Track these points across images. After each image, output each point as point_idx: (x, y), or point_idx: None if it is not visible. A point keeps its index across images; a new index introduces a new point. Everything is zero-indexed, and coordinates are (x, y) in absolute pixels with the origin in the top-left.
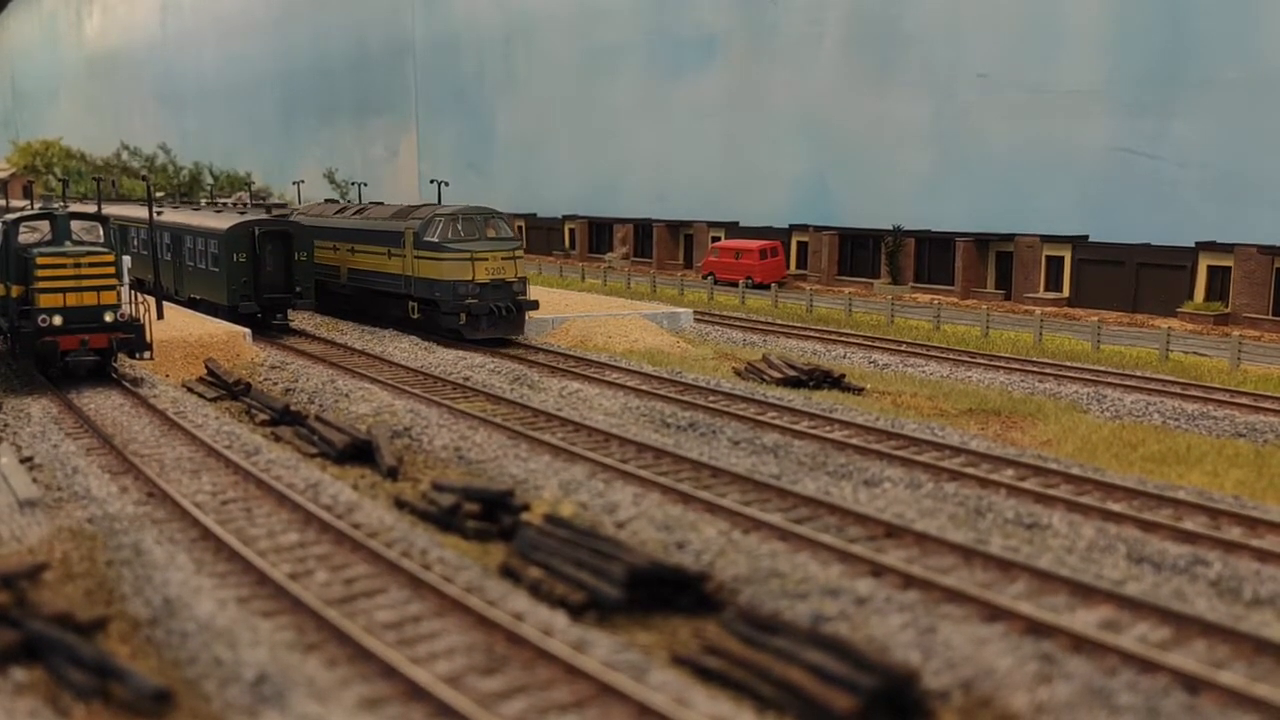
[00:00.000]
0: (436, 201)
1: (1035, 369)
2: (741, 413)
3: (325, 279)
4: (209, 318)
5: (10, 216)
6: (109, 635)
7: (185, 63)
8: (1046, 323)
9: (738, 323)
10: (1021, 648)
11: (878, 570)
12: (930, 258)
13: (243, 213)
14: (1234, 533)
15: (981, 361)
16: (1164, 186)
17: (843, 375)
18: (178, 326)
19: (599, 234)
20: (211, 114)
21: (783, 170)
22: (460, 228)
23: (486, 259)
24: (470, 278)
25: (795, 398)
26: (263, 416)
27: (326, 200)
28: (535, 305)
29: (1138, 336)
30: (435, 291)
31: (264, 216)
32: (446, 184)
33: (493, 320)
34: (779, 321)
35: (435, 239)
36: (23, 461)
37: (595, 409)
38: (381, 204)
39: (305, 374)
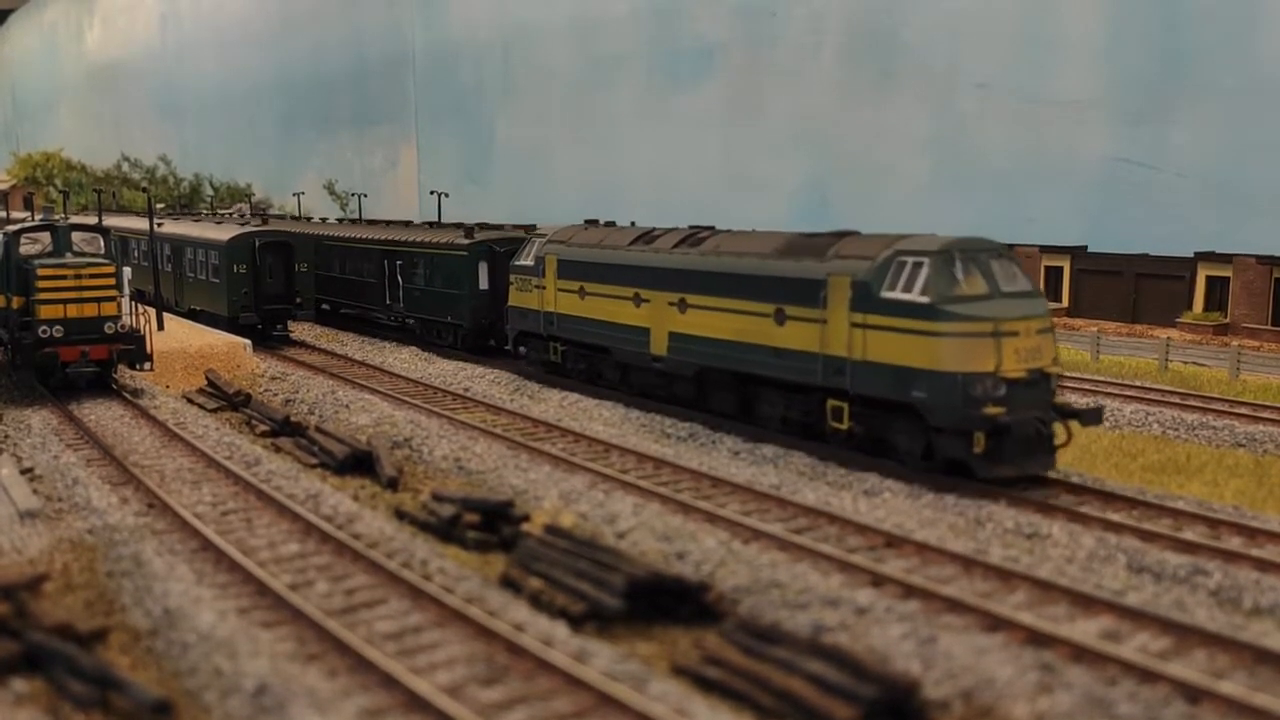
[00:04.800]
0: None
1: None
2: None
3: (607, 344)
4: (209, 329)
5: (11, 228)
6: (109, 646)
7: (185, 74)
8: None
9: None
10: (1022, 658)
11: (878, 580)
12: None
13: (242, 224)
14: (1234, 542)
15: None
16: (1162, 197)
17: None
18: (178, 337)
19: None
20: (211, 125)
21: (782, 180)
22: (959, 275)
23: (1017, 333)
24: (992, 367)
25: None
26: (263, 427)
27: (588, 223)
28: (1097, 418)
29: (1137, 346)
30: (915, 389)
31: (264, 228)
32: (446, 195)
33: (1026, 445)
34: None
35: (916, 296)
36: (23, 473)
37: (595, 419)
38: (719, 230)
39: (305, 385)
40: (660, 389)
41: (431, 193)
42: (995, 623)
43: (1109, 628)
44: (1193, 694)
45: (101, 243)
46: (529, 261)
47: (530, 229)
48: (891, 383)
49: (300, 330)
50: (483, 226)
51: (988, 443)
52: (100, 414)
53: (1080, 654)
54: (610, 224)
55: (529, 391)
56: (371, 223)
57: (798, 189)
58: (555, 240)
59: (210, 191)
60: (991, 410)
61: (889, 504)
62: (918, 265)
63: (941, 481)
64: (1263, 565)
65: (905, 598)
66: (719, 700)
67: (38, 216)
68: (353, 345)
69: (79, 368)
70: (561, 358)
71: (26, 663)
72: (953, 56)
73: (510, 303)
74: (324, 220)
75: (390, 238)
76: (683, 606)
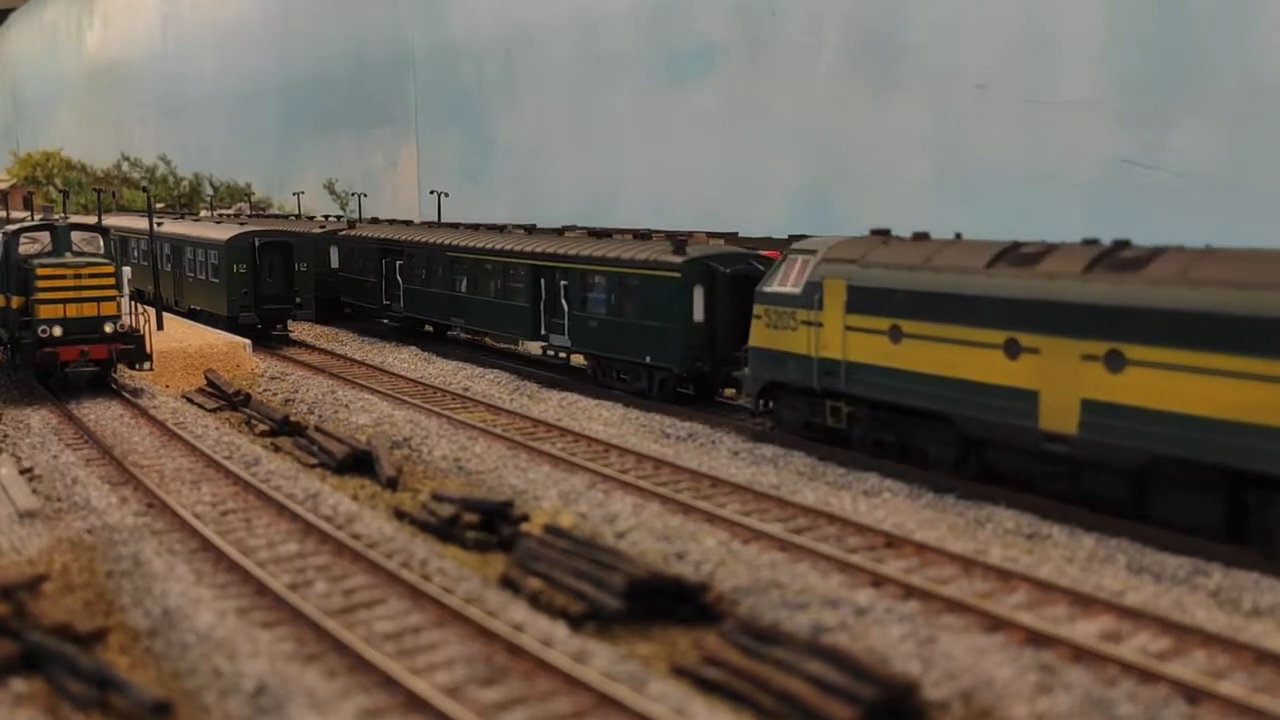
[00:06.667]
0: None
1: None
2: (740, 423)
3: (942, 408)
4: (209, 328)
5: (11, 228)
6: (108, 646)
7: (185, 74)
8: None
9: None
10: (1021, 658)
11: (877, 580)
12: None
13: (242, 224)
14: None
15: None
16: (1165, 197)
17: None
18: (178, 337)
19: None
20: (211, 125)
21: (782, 179)
22: None
23: None
24: None
25: None
26: (262, 427)
27: (876, 233)
28: None
29: None
30: None
31: (264, 228)
32: (446, 195)
33: None
34: None
35: None
36: (22, 472)
37: (594, 419)
38: (1155, 247)
39: (305, 385)
40: (1055, 480)
41: (431, 192)
42: (995, 623)
43: (1109, 628)
44: (1192, 694)
45: (101, 242)
46: (792, 289)
47: (778, 242)
48: None
49: (300, 330)
50: (688, 237)
51: None
52: (100, 414)
53: (1080, 654)
54: (922, 235)
55: (528, 391)
56: (501, 228)
57: (798, 189)
58: (839, 259)
59: (210, 191)
60: None
61: (889, 504)
62: None
63: (941, 481)
64: (1263, 565)
65: (905, 598)
66: (718, 701)
67: (37, 216)
68: (352, 345)
69: (78, 367)
70: (846, 422)
71: (26, 663)
72: (953, 57)
73: (753, 343)
74: (429, 224)
75: (553, 250)
76: (682, 607)
